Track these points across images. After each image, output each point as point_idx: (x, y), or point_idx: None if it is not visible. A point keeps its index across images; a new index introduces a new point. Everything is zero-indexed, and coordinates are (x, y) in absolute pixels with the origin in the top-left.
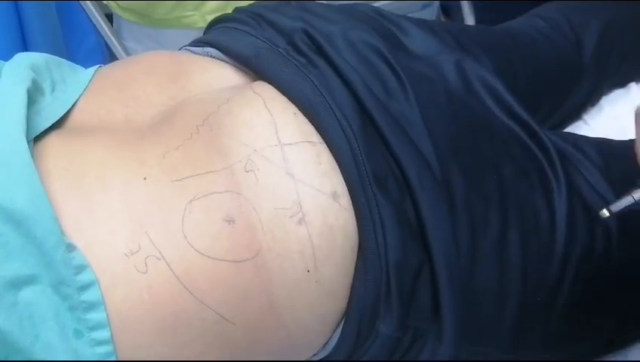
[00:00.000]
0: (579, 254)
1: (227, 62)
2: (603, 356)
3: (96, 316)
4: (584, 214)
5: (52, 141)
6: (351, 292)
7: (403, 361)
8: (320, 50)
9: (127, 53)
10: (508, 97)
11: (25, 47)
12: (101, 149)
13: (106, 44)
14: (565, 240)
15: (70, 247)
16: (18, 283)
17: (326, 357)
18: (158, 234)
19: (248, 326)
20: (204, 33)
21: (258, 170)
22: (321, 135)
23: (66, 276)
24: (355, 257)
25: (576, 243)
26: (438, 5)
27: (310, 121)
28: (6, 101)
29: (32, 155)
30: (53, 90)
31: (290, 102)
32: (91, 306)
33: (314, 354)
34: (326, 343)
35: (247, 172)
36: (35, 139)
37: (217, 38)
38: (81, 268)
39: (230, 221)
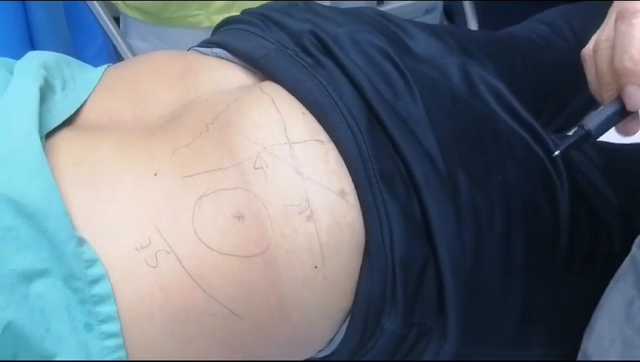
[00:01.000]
0: (582, 254)
1: (235, 63)
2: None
3: (106, 309)
4: (587, 214)
5: (63, 137)
6: (357, 288)
7: (407, 360)
8: (328, 52)
9: (134, 55)
10: (512, 99)
11: (32, 48)
12: (111, 146)
13: (114, 46)
14: (568, 239)
15: (81, 241)
16: (29, 276)
17: (331, 353)
18: (168, 228)
19: (256, 321)
20: (212, 34)
21: (267, 167)
22: (328, 134)
23: (76, 269)
24: (362, 254)
25: (579, 243)
26: (441, 10)
27: (318, 120)
28: (19, 98)
29: (44, 151)
30: (64, 88)
31: (298, 102)
32: (101, 299)
33: (319, 351)
34: (332, 339)
35: (256, 169)
36: (47, 135)
37: (226, 39)
38: (92, 261)
39: (240, 217)
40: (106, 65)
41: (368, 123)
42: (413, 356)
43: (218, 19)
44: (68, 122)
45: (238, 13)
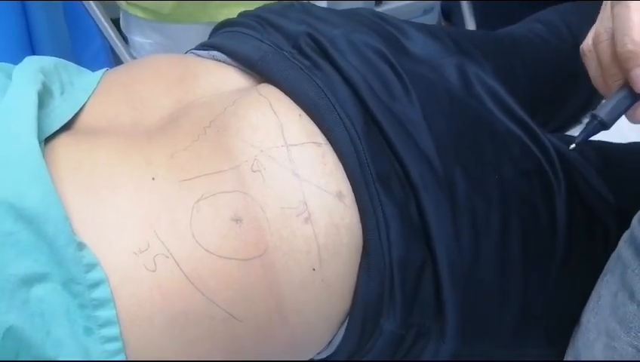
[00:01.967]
0: (578, 253)
1: (233, 66)
2: None
3: (105, 313)
4: (583, 214)
5: (62, 142)
6: (355, 290)
7: (406, 360)
8: (324, 53)
9: (133, 57)
10: (508, 99)
11: (32, 50)
12: (110, 150)
13: (111, 48)
14: (565, 239)
15: (80, 246)
16: (30, 281)
17: (330, 355)
18: (166, 232)
19: (255, 324)
20: (209, 37)
21: (265, 170)
22: (326, 136)
23: (76, 274)
24: (360, 255)
25: (576, 243)
26: (438, 11)
27: (315, 122)
28: (18, 103)
29: (43, 156)
30: (62, 93)
31: (295, 104)
32: (101, 304)
33: (318, 353)
34: (330, 341)
35: (254, 172)
36: (46, 140)
37: (223, 42)
38: (92, 266)
39: (238, 220)
40: (104, 70)
41: (365, 124)
42: (412, 356)
43: (217, 14)
44: (66, 126)
45: (237, 9)
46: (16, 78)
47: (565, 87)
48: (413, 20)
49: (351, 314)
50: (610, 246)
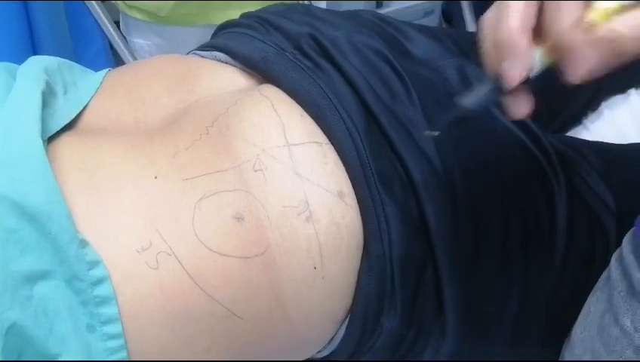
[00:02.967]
0: (578, 254)
1: (235, 66)
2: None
3: (108, 310)
4: (584, 215)
5: (65, 141)
6: (356, 288)
7: (406, 360)
8: (326, 54)
9: (134, 57)
10: None
11: (34, 50)
12: (112, 149)
13: (112, 48)
14: (565, 240)
15: (83, 243)
16: (33, 278)
17: (331, 353)
18: (168, 231)
19: (256, 322)
20: (211, 38)
21: (266, 169)
22: (327, 136)
23: (79, 271)
24: (361, 254)
25: (576, 244)
26: (439, 13)
27: (317, 123)
28: (22, 103)
29: (47, 155)
30: (65, 93)
31: (297, 104)
32: (103, 301)
33: (319, 351)
34: (331, 339)
35: (255, 171)
36: (49, 139)
37: (225, 43)
38: (94, 263)
39: (239, 218)
40: (107, 70)
41: (366, 124)
42: (413, 355)
43: (216, 17)
44: (70, 126)
45: (236, 12)
46: (20, 78)
47: (565, 88)
48: (413, 22)
49: (352, 312)
50: (610, 247)
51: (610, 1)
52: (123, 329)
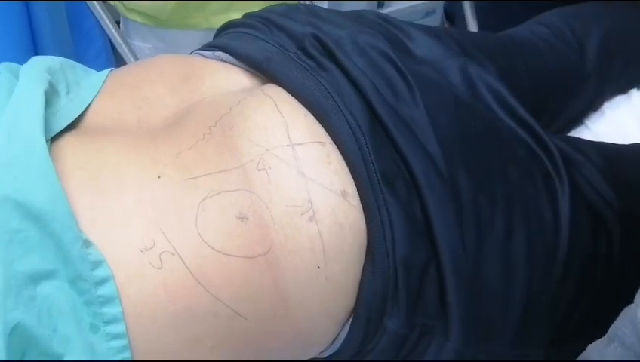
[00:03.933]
0: (582, 254)
1: (238, 66)
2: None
3: (111, 310)
4: (587, 215)
5: (68, 141)
6: (359, 288)
7: (409, 360)
8: (329, 54)
9: (135, 57)
10: (512, 101)
11: (35, 50)
12: (115, 149)
13: (114, 48)
14: (569, 240)
15: (87, 243)
16: (37, 278)
17: (334, 353)
18: (172, 230)
19: (259, 321)
20: (214, 38)
21: (270, 168)
22: (330, 135)
23: (82, 271)
24: (364, 254)
25: (580, 243)
26: (441, 12)
27: (320, 122)
28: (25, 102)
29: (50, 155)
30: (68, 92)
31: (300, 104)
32: (107, 301)
33: (322, 351)
34: (334, 339)
35: (259, 171)
36: (52, 139)
37: (228, 43)
38: (98, 263)
39: (243, 218)
40: (109, 69)
41: (370, 124)
42: (416, 356)
43: (216, 20)
44: (72, 126)
45: (236, 15)
46: (22, 78)
47: (568, 90)
48: (415, 22)
49: (355, 312)
50: (613, 247)
51: None
52: (127, 328)
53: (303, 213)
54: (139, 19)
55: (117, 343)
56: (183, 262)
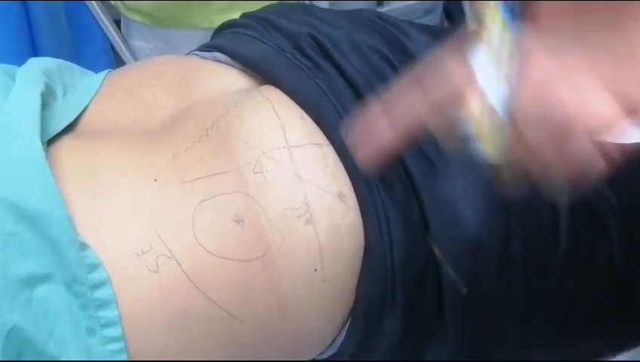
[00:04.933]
0: (581, 255)
1: (235, 67)
2: (604, 356)
3: (108, 313)
4: (586, 215)
5: (64, 143)
6: (357, 290)
7: (408, 361)
8: (326, 54)
9: (135, 57)
10: None
11: (34, 50)
12: (112, 151)
13: (113, 48)
14: (567, 241)
15: (83, 246)
16: (32, 281)
17: (332, 355)
18: (168, 233)
19: (256, 324)
20: (211, 38)
21: (267, 171)
22: (327, 137)
23: (78, 274)
24: (362, 256)
25: (579, 244)
26: (441, 11)
27: (317, 123)
28: (21, 104)
29: (46, 157)
30: (65, 94)
31: (297, 106)
32: (103, 304)
33: (320, 353)
34: (332, 342)
35: (255, 173)
36: (49, 141)
37: (225, 43)
38: (94, 266)
39: (239, 221)
40: (107, 71)
41: None
42: (414, 358)
43: (217, 19)
44: (69, 128)
45: (237, 14)
46: (19, 80)
47: None
48: (414, 21)
49: (353, 314)
50: (612, 248)
51: None
52: (123, 332)
53: (299, 216)
54: (139, 18)
55: (113, 346)
56: (179, 265)
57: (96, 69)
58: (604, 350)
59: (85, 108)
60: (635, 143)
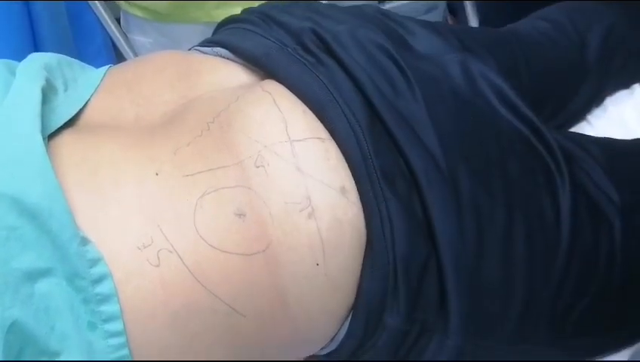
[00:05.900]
0: (583, 250)
1: (236, 62)
2: (605, 352)
3: (109, 308)
4: (587, 210)
5: (65, 138)
6: (359, 285)
7: (409, 360)
8: (328, 49)
9: (135, 54)
10: (513, 96)
11: (35, 47)
12: (113, 146)
13: (114, 45)
14: (569, 236)
15: (84, 241)
16: (34, 276)
17: (334, 350)
18: (170, 228)
19: (258, 319)
20: (213, 33)
21: (268, 165)
22: (329, 131)
23: (80, 269)
24: (363, 251)
25: (581, 240)
26: (444, 7)
27: (319, 118)
28: (22, 99)
29: (47, 152)
30: (65, 89)
31: (299, 100)
32: (105, 299)
33: (322, 348)
34: (334, 336)
35: (257, 167)
36: (49, 136)
37: (227, 39)
38: (95, 261)
39: (241, 215)
40: (108, 66)
41: (369, 120)
42: (416, 352)
43: (217, 14)
44: (70, 123)
45: (237, 9)
46: (20, 75)
47: (569, 85)
48: (416, 18)
49: (355, 309)
50: (614, 243)
51: None
52: (124, 326)
53: (301, 210)
54: (139, 13)
55: (115, 341)
56: (181, 259)
57: (97, 66)
58: (605, 347)
59: (86, 103)
60: None
